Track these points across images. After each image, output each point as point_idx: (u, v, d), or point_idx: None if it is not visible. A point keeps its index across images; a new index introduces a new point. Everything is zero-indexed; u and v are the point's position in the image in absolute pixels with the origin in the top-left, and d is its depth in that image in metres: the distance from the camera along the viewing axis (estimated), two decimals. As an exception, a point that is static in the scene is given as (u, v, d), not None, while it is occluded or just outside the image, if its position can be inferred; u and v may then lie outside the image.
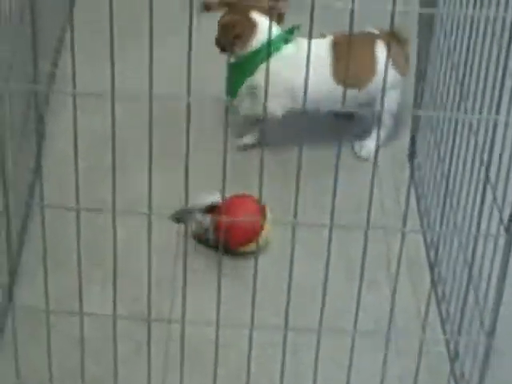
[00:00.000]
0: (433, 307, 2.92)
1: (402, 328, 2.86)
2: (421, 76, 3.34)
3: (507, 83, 2.41)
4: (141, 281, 2.60)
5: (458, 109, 2.78)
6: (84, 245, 2.41)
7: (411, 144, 3.50)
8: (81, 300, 2.35)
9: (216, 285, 2.25)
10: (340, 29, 3.02)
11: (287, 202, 2.73)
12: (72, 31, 2.32)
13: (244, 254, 3.03)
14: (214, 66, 3.22)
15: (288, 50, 3.37)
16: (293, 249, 2.17)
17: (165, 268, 2.98)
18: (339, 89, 3.33)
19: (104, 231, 2.58)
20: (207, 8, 3.97)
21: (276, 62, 3.18)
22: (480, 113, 2.57)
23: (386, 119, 3.52)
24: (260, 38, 3.35)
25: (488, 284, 2.59)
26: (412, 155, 3.49)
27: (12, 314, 2.67)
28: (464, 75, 2.76)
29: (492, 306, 2.55)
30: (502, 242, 2.43)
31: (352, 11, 2.02)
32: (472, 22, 2.69)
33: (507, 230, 2.40)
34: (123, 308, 2.74)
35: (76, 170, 2.49)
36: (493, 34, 2.48)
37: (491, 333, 2.56)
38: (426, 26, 3.27)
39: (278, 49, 3.36)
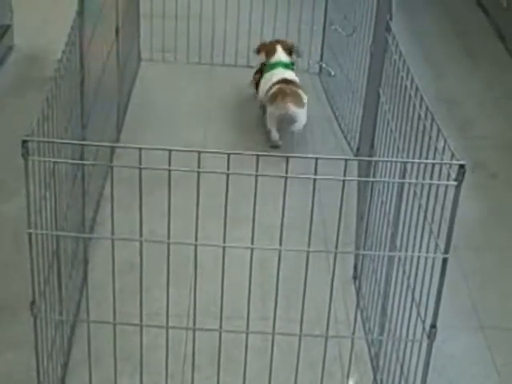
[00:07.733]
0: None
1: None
2: (361, 221, 3.34)
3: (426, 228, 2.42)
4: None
5: (390, 248, 2.75)
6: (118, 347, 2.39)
7: (354, 270, 3.48)
8: None
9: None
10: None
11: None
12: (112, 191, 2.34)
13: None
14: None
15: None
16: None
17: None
18: None
19: (133, 336, 2.54)
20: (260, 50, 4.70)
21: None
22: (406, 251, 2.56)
23: None
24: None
25: (415, 378, 2.56)
26: (355, 278, 3.47)
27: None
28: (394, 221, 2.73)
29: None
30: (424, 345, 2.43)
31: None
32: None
33: (429, 336, 2.40)
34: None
35: (113, 291, 2.46)
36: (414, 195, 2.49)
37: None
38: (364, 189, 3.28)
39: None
